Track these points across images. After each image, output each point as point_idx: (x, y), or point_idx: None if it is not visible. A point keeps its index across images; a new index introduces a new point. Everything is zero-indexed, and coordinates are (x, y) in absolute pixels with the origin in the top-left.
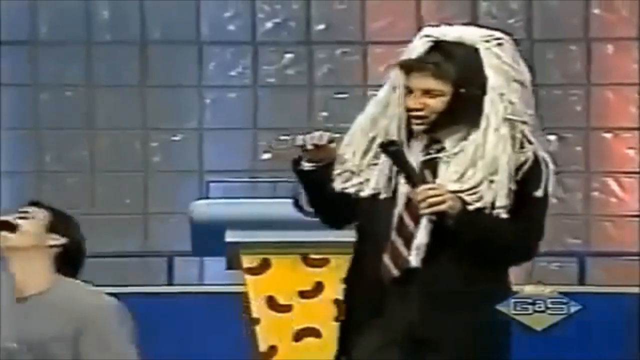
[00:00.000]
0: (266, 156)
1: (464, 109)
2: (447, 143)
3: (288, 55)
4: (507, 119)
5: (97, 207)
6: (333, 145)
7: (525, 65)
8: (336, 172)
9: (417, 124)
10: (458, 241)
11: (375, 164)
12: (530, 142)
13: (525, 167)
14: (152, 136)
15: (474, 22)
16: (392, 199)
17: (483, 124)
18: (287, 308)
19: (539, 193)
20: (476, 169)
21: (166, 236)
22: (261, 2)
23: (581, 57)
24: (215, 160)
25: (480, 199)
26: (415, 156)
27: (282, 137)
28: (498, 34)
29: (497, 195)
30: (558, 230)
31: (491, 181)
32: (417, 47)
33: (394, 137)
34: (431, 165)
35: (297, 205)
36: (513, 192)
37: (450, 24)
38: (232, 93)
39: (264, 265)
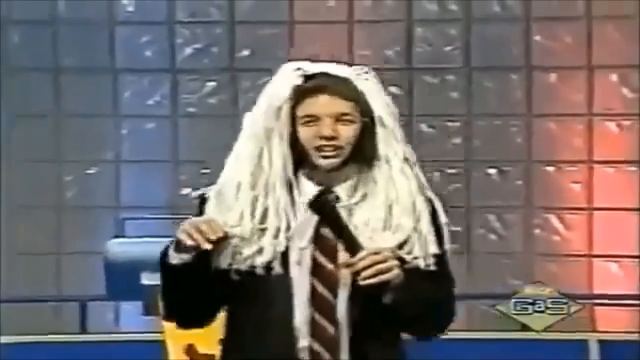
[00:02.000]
0: (187, 191)
1: (363, 144)
2: (339, 190)
3: (210, 83)
4: (406, 159)
5: (8, 247)
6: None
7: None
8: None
9: (329, 157)
10: (389, 312)
11: (263, 229)
12: (425, 186)
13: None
14: (66, 169)
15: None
16: (285, 269)
17: (382, 163)
18: (208, 358)
19: (447, 246)
20: (396, 217)
21: (80, 278)
22: (180, 27)
23: (522, 85)
24: (133, 194)
25: (410, 253)
26: (301, 211)
27: (184, 192)
28: (364, 67)
29: (427, 244)
30: (498, 270)
31: (416, 229)
32: (290, 79)
33: (317, 191)
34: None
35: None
36: None
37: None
38: (150, 123)
39: None
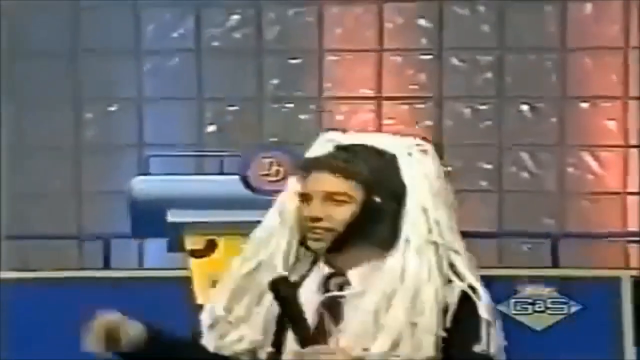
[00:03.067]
0: (212, 128)
1: (373, 226)
2: (351, 274)
3: (234, 17)
4: (433, 242)
5: (28, 187)
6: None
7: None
8: (212, 322)
9: (315, 240)
10: None
11: (256, 312)
12: (460, 278)
13: (455, 307)
14: (86, 107)
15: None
16: (278, 354)
17: (400, 246)
18: None
19: (478, 347)
20: (392, 311)
21: (103, 217)
22: None
23: (556, 18)
24: (157, 132)
25: (392, 347)
26: (311, 293)
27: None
28: (420, 141)
29: (421, 345)
30: (530, 209)
31: (414, 324)
32: (315, 149)
33: (280, 271)
34: (334, 306)
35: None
36: (442, 341)
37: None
38: (173, 59)
39: (210, 247)
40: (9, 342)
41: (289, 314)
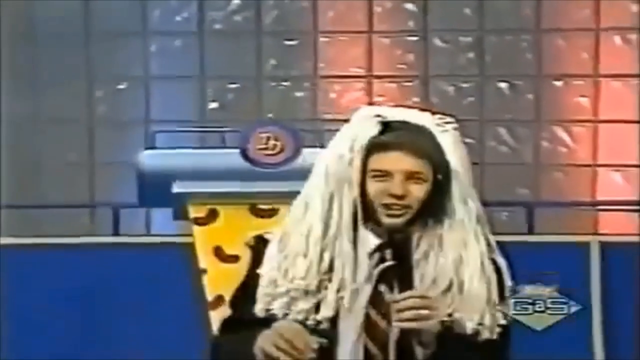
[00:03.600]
0: (214, 105)
1: (431, 202)
2: (408, 245)
3: (235, 1)
4: (478, 216)
5: (44, 159)
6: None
7: None
8: (276, 291)
9: (396, 216)
10: None
11: (326, 280)
12: (493, 247)
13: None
14: (97, 85)
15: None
16: (334, 324)
17: (454, 222)
18: (234, 259)
19: (501, 307)
20: (467, 280)
21: (112, 187)
22: None
23: (532, 1)
24: (162, 109)
25: (481, 319)
26: (362, 264)
27: (211, 106)
28: (449, 118)
29: (496, 314)
30: (507, 180)
31: (488, 296)
32: (367, 127)
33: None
34: (389, 277)
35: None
36: None
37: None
38: (178, 40)
39: (212, 216)
40: (23, 305)
41: (403, 261)
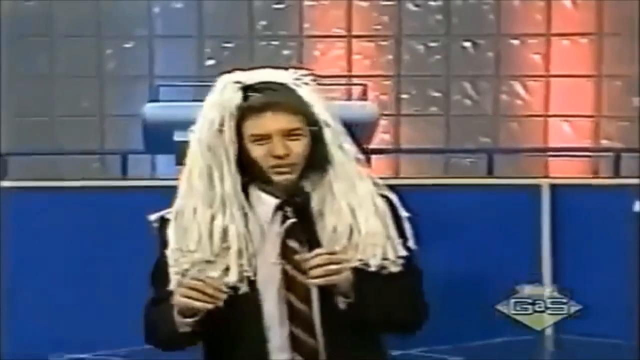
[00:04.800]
0: (211, 62)
1: (312, 152)
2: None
3: None
4: (357, 159)
5: (58, 111)
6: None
7: None
8: (181, 268)
9: (284, 173)
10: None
11: (226, 248)
12: (377, 185)
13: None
14: (106, 43)
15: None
16: (252, 287)
17: (336, 167)
18: None
19: (410, 243)
20: (363, 222)
21: (121, 136)
22: None
23: None
24: (165, 65)
25: (383, 254)
26: (258, 227)
27: (208, 62)
28: (303, 71)
29: (396, 247)
30: (470, 129)
31: (386, 233)
32: (230, 94)
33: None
34: (295, 231)
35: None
36: None
37: (241, 69)
38: (178, 3)
39: None
40: (32, 244)
41: (305, 225)
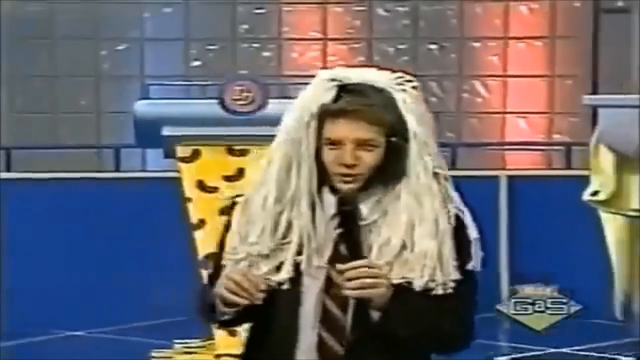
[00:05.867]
0: (197, 63)
1: (388, 164)
2: (363, 207)
3: None
4: (435, 173)
5: (58, 108)
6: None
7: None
8: (235, 257)
9: (348, 182)
10: (386, 332)
11: (286, 243)
12: (451, 200)
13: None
14: (101, 45)
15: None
16: (297, 284)
17: (410, 180)
18: (214, 189)
19: (470, 265)
20: (418, 238)
21: (114, 131)
22: None
23: None
24: (154, 66)
25: (431, 276)
26: (326, 226)
27: (194, 63)
28: (407, 76)
29: (448, 270)
30: (436, 125)
31: (440, 252)
32: (322, 92)
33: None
34: (348, 239)
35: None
36: None
37: (348, 66)
38: (167, 9)
39: (195, 155)
40: (29, 234)
41: (351, 232)
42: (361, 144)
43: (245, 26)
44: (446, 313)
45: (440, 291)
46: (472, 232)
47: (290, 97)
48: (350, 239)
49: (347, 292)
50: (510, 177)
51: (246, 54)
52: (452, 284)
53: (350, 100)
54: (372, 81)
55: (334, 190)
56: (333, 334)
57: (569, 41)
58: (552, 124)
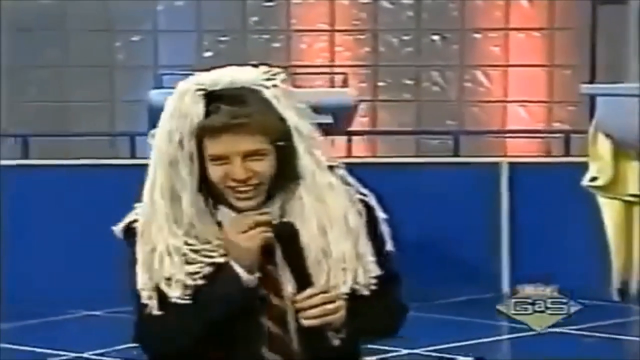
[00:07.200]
0: (208, 54)
1: (282, 168)
2: (273, 215)
3: None
4: (330, 166)
5: (73, 97)
6: None
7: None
8: (148, 288)
9: (245, 198)
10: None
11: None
12: (353, 188)
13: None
14: (116, 37)
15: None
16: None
17: (308, 180)
18: None
19: (389, 246)
20: (334, 244)
21: (130, 119)
22: None
23: None
24: (168, 56)
25: (354, 279)
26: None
27: (206, 54)
28: (274, 69)
29: (369, 269)
30: (438, 113)
31: (357, 252)
32: (190, 105)
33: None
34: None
35: None
36: None
37: (205, 70)
38: (179, 2)
39: None
40: (41, 220)
41: (293, 257)
42: (249, 155)
43: (255, 18)
44: (378, 310)
45: (365, 292)
46: (380, 214)
47: (298, 87)
48: (296, 265)
49: (308, 322)
50: (511, 164)
51: (256, 45)
52: (374, 281)
53: (229, 111)
54: (243, 82)
55: (232, 207)
56: (279, 353)
57: (568, 32)
58: (551, 113)
